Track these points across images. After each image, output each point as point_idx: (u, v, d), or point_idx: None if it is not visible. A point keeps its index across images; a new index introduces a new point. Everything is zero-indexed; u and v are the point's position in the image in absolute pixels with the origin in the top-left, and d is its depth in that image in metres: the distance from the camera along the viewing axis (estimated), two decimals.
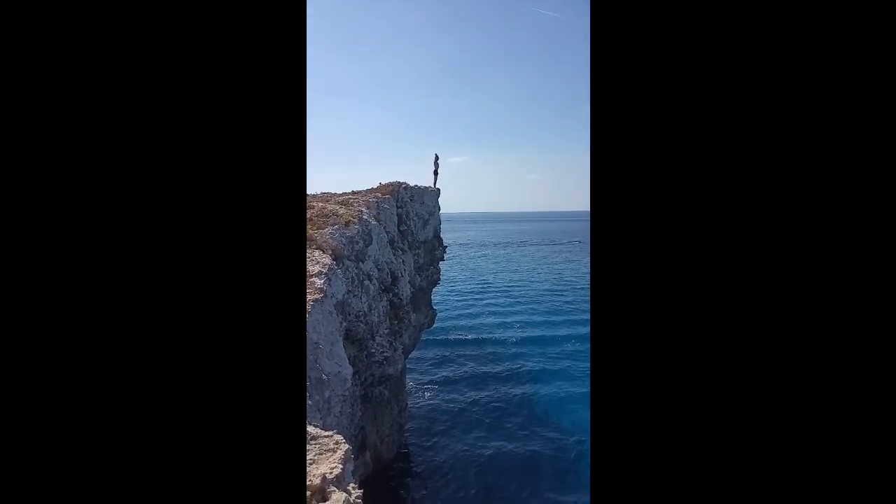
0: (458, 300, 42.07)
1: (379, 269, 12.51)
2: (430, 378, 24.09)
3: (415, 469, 16.25)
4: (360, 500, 2.82)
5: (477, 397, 21.68)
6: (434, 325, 22.70)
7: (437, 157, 21.31)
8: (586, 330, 31.22)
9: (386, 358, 11.19)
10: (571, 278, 53.80)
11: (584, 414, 20.35)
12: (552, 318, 34.74)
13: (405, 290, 14.47)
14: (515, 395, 22.06)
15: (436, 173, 21.43)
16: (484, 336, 30.84)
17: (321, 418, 6.37)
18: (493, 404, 21.11)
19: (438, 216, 21.76)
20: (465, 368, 25.29)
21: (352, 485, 3.01)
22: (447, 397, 21.83)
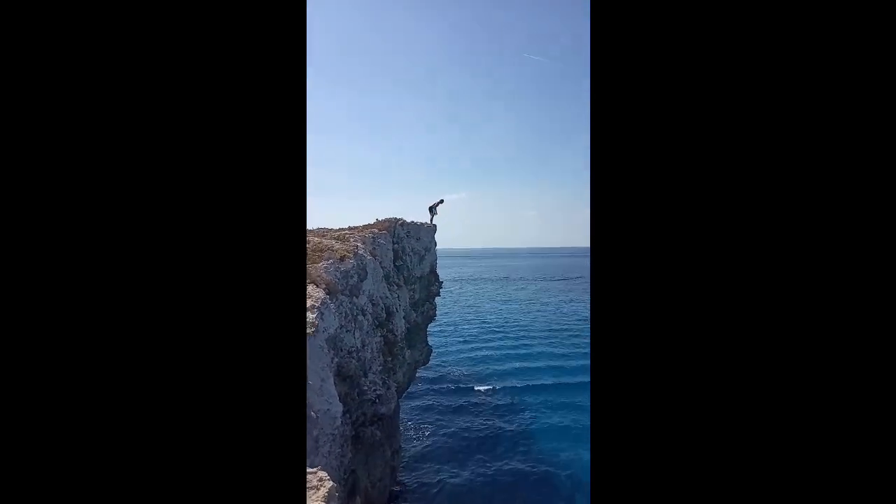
0: (454, 336, 41.53)
1: (373, 304, 12.43)
2: (424, 418, 23.34)
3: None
4: None
5: (474, 439, 20.93)
6: (430, 362, 22.25)
7: (441, 201, 22.06)
8: (581, 363, 30.71)
9: (379, 396, 10.91)
10: (568, 312, 53.43)
11: (581, 453, 19.62)
12: (550, 361, 34.09)
13: (400, 325, 14.31)
14: (518, 444, 21.32)
15: (433, 212, 21.95)
16: (480, 373, 30.20)
17: (308, 458, 6.14)
18: (490, 445, 20.36)
19: (434, 252, 21.88)
20: (461, 408, 24.56)
21: None
22: (442, 439, 21.06)
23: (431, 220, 21.48)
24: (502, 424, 22.61)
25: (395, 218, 18.66)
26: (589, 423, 22.65)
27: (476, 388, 27.42)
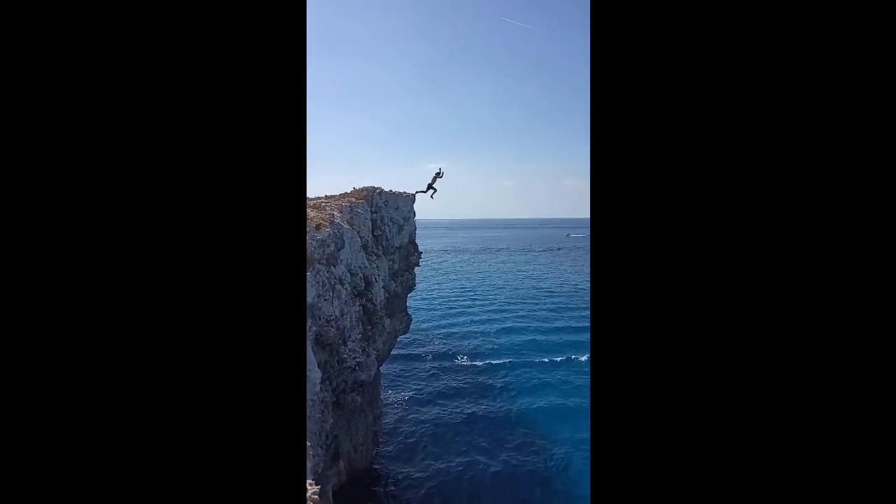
0: (434, 306, 41.97)
1: (352, 274, 12.35)
2: (405, 385, 23.83)
3: (390, 479, 15.96)
4: (316, 497, 2.74)
5: (455, 405, 21.56)
6: (410, 332, 22.52)
7: (440, 173, 18.44)
8: (566, 337, 31.55)
9: (358, 363, 11.01)
10: (550, 286, 54.56)
11: (562, 421, 20.53)
12: (530, 325, 34.95)
13: (379, 295, 14.32)
14: (496, 403, 22.04)
15: (431, 187, 18.64)
16: (461, 342, 30.81)
17: None
18: (471, 412, 21.03)
19: (413, 222, 21.72)
20: (442, 375, 25.14)
21: (309, 481, 2.93)
22: (424, 405, 21.61)
23: (433, 196, 18.81)
24: (482, 390, 23.29)
25: (373, 187, 18.32)
26: (559, 378, 23.59)
27: (455, 356, 28.02)
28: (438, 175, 16.28)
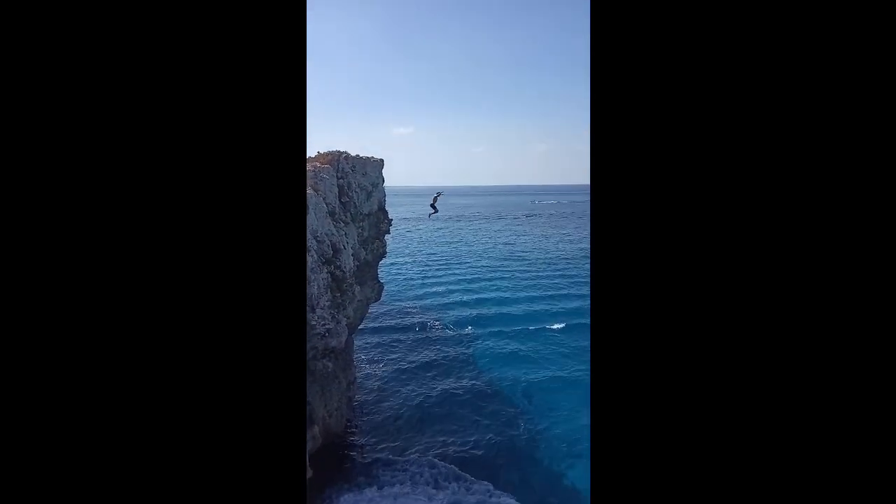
0: (407, 275, 41.99)
1: (318, 241, 12.05)
2: (379, 352, 24.06)
3: (366, 443, 16.33)
4: None
5: (432, 375, 22.00)
6: (381, 300, 22.49)
7: (440, 193, 20.49)
8: (541, 306, 32.12)
9: (328, 330, 10.94)
10: (522, 252, 55.39)
11: (525, 374, 21.38)
12: (504, 294, 35.25)
13: (348, 262, 14.11)
14: (471, 374, 22.61)
15: (432, 206, 20.29)
16: (435, 311, 31.13)
17: None
18: (446, 383, 21.54)
19: (383, 188, 21.23)
20: (417, 346, 25.48)
21: None
22: (397, 371, 21.96)
23: (430, 215, 20.21)
24: (457, 362, 23.79)
25: (339, 151, 17.65)
26: (532, 348, 24.33)
27: (429, 326, 28.33)
28: (438, 195, 18.59)
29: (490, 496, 13.21)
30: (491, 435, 16.72)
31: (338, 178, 16.53)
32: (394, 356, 23.49)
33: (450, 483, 13.72)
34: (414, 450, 15.70)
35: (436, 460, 14.99)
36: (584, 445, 15.94)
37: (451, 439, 16.29)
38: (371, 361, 23.24)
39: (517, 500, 13.03)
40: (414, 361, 23.14)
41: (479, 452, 15.64)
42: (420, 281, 39.17)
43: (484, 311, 30.76)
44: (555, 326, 27.18)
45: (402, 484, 13.64)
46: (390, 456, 15.36)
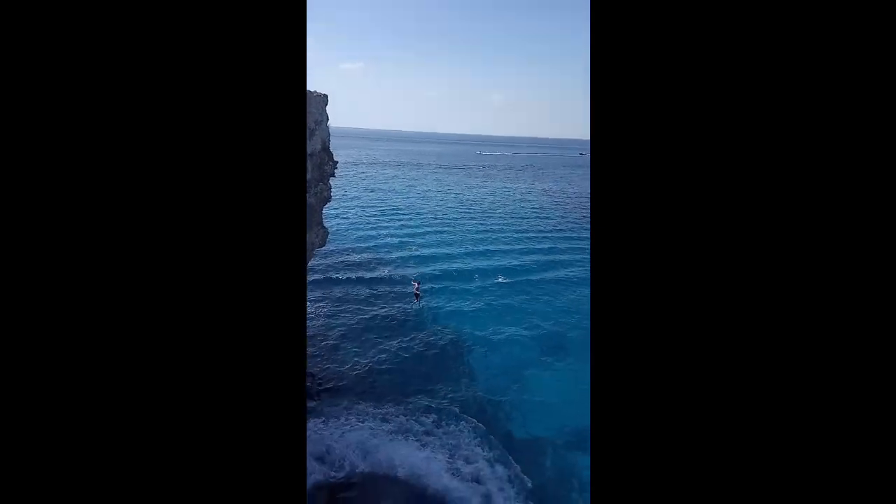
0: (354, 222, 40.89)
1: None
2: (324, 297, 23.72)
3: (315, 381, 16.42)
4: None
5: (373, 319, 22.09)
6: (327, 246, 21.80)
7: (418, 285, 20.17)
8: (487, 261, 32.57)
9: None
10: (472, 200, 55.55)
11: (471, 325, 22.18)
12: (455, 250, 35.12)
13: None
14: (424, 327, 22.92)
15: (416, 296, 20.06)
16: (382, 262, 30.81)
17: None
18: (390, 322, 21.77)
19: (327, 127, 19.82)
20: (360, 288, 25.32)
21: None
22: (343, 319, 21.85)
23: (416, 300, 19.99)
24: (402, 305, 24.00)
25: None
26: (488, 302, 24.66)
27: (375, 270, 28.12)
28: (418, 284, 20.41)
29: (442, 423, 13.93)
30: (441, 387, 17.38)
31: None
32: (340, 305, 23.24)
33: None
34: (368, 401, 16.00)
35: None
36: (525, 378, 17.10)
37: (394, 354, 16.80)
38: (317, 303, 22.89)
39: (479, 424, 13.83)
40: (357, 306, 23.07)
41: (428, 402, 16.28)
42: (368, 230, 38.27)
43: (433, 263, 30.75)
44: (502, 280, 27.76)
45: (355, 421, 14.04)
46: (342, 398, 15.61)
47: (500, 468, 12.77)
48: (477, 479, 12.34)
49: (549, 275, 28.79)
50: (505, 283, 27.17)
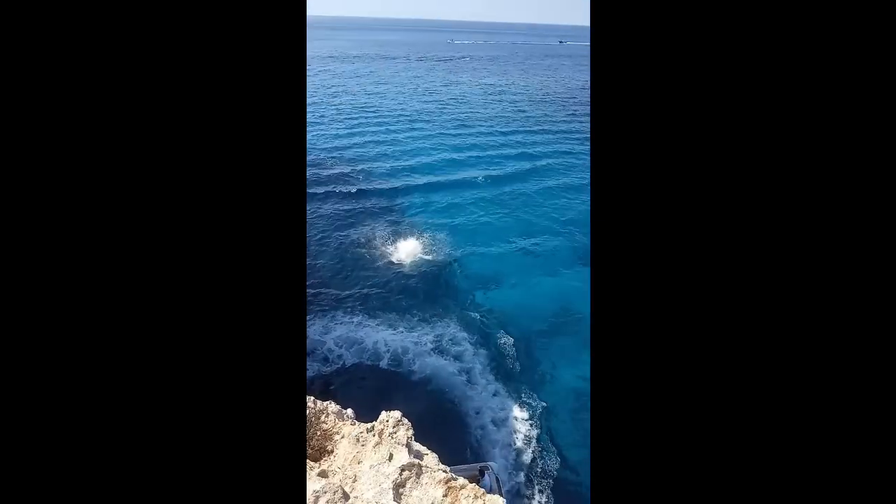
0: (328, 123, 38.51)
1: None
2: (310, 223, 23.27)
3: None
4: None
5: (352, 219, 22.03)
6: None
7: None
8: (476, 153, 31.68)
9: None
10: (452, 96, 52.36)
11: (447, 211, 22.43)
12: (439, 144, 33.93)
13: None
14: (395, 216, 22.90)
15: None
16: (357, 163, 29.70)
17: None
18: (366, 222, 21.78)
19: None
20: (331, 194, 24.72)
21: None
22: (320, 221, 21.71)
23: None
24: (376, 210, 23.66)
25: None
26: (476, 198, 24.47)
27: (351, 178, 27.22)
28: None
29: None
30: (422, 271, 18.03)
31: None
32: (325, 221, 22.84)
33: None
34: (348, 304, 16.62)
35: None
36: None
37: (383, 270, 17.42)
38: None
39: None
40: (347, 227, 22.83)
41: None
42: (345, 135, 36.17)
43: (412, 167, 29.72)
44: (484, 175, 27.57)
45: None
46: (326, 304, 16.25)
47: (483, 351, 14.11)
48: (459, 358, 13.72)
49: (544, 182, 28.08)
50: (488, 189, 26.61)
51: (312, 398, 4.26)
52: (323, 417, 4.13)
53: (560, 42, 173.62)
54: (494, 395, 12.78)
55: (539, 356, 14.38)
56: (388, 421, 4.00)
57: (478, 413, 12.22)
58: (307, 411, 4.07)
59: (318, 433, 4.02)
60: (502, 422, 12.11)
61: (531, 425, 12.12)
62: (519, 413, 12.35)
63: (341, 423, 4.12)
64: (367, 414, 4.54)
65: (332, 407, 4.26)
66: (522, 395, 12.84)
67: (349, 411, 4.40)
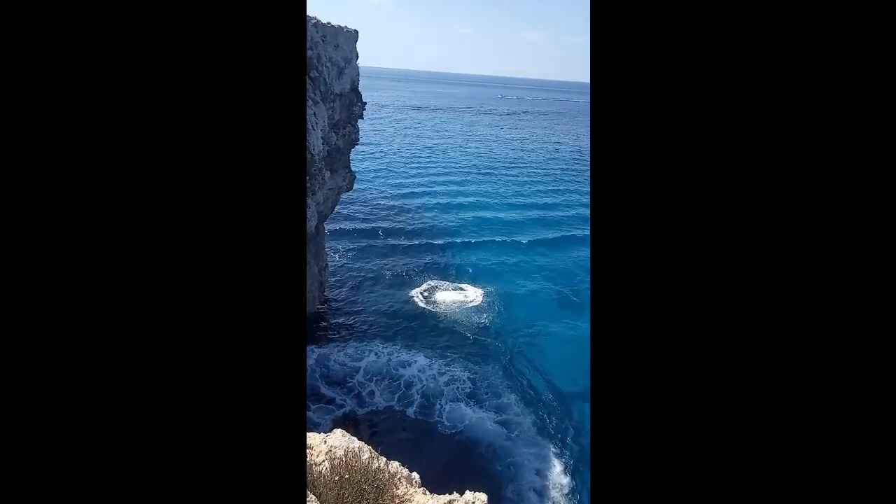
0: (381, 164, 40.67)
1: None
2: (352, 240, 24.33)
3: (337, 321, 17.35)
4: None
5: (397, 263, 22.60)
6: (353, 189, 22.02)
7: None
8: (522, 214, 31.84)
9: None
10: (508, 153, 53.63)
11: (496, 271, 22.45)
12: (487, 199, 34.34)
13: (317, 144, 13.36)
14: (439, 260, 23.27)
15: None
16: (408, 204, 30.91)
17: None
18: (414, 266, 22.28)
19: (356, 66, 19.31)
20: (387, 235, 25.70)
21: None
22: (368, 261, 22.46)
23: None
24: (429, 246, 24.24)
25: (307, 16, 15.50)
26: (510, 264, 24.11)
27: (398, 218, 28.23)
28: None
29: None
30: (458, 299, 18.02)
31: (306, 49, 14.81)
32: (366, 252, 23.74)
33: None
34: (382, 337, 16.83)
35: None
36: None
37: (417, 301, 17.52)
38: (343, 249, 23.57)
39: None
40: (383, 250, 23.60)
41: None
42: (394, 176, 37.96)
43: (464, 214, 30.18)
44: (523, 240, 26.62)
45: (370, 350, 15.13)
46: (362, 333, 16.54)
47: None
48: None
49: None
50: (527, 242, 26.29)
51: (374, 452, 3.88)
52: (395, 481, 3.80)
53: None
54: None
55: None
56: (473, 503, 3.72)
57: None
58: (371, 464, 3.78)
59: (391, 499, 3.67)
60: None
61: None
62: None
63: (413, 490, 3.80)
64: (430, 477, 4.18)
65: (404, 471, 3.95)
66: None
67: (415, 476, 4.05)
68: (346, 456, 3.71)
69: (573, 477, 11.79)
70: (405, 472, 3.98)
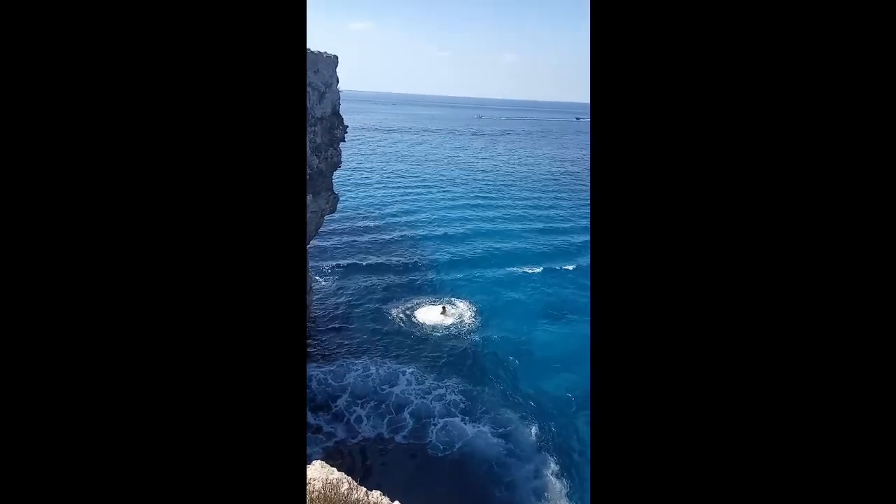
0: (362, 186, 40.68)
1: None
2: (335, 263, 24.02)
3: (317, 351, 16.90)
4: None
5: (381, 283, 22.38)
6: (337, 212, 21.85)
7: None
8: (502, 226, 32.29)
9: None
10: (485, 169, 54.62)
11: (485, 289, 22.41)
12: (470, 219, 34.34)
13: None
14: (423, 278, 23.18)
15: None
16: (391, 225, 30.85)
17: None
18: (396, 288, 22.07)
19: (337, 90, 19.42)
20: (370, 256, 25.51)
21: None
22: (351, 282, 22.19)
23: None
24: (412, 266, 24.19)
25: None
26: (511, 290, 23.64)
27: (382, 237, 28.16)
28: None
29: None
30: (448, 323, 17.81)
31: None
32: (349, 274, 23.49)
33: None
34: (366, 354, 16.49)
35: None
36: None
37: (402, 327, 17.24)
38: (328, 270, 23.23)
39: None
40: (367, 271, 23.36)
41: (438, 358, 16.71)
42: (377, 196, 38.00)
43: (448, 235, 30.03)
44: (532, 271, 25.38)
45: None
46: (349, 351, 16.15)
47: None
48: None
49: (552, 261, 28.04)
50: (534, 272, 24.98)
51: (354, 483, 3.79)
52: None
53: (577, 118, 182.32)
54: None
55: None
56: None
57: None
58: (350, 495, 3.70)
59: None
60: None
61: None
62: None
63: None
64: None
65: (384, 500, 3.86)
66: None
67: None
68: (324, 488, 3.55)
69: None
70: (386, 501, 3.89)
